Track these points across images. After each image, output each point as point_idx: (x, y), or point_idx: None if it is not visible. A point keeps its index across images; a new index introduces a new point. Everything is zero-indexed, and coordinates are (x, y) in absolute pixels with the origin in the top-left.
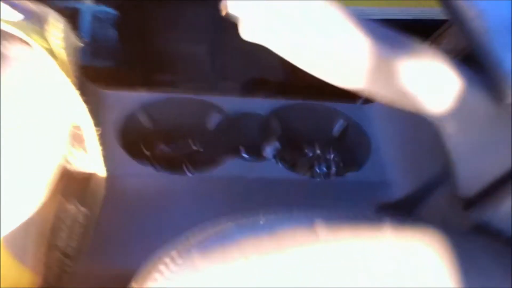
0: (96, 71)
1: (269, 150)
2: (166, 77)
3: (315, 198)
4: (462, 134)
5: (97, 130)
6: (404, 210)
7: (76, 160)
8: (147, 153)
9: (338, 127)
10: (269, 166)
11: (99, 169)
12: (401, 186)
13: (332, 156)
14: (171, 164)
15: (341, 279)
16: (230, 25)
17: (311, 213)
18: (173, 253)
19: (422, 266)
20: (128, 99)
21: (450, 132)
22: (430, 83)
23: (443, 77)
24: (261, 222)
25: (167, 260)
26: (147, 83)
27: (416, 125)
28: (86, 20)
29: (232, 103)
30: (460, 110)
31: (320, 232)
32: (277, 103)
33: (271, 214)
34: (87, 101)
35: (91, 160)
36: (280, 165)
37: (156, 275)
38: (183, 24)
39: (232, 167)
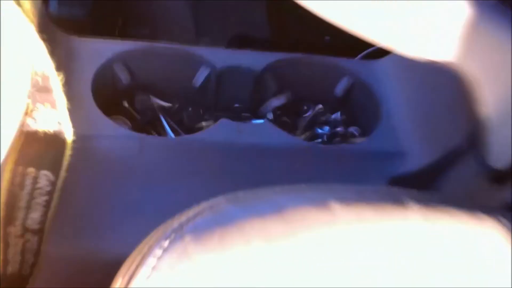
0: (66, 21)
1: (263, 110)
2: (143, 31)
3: (317, 167)
4: (502, 96)
5: (62, 81)
6: (420, 185)
7: (38, 116)
8: (125, 110)
9: (342, 85)
10: (264, 128)
11: (65, 127)
12: (417, 157)
13: (335, 119)
14: (152, 125)
15: (368, 267)
16: None
17: (324, 188)
18: (164, 242)
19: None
20: (103, 49)
21: (488, 94)
22: (478, 38)
23: (490, 32)
24: (265, 200)
25: (157, 250)
26: (122, 36)
27: (434, 85)
28: None
29: (221, 56)
30: (503, 68)
31: (337, 211)
32: (272, 57)
33: (276, 189)
34: (54, 50)
35: (55, 116)
36: (276, 127)
37: (145, 268)
38: None
39: (221, 129)
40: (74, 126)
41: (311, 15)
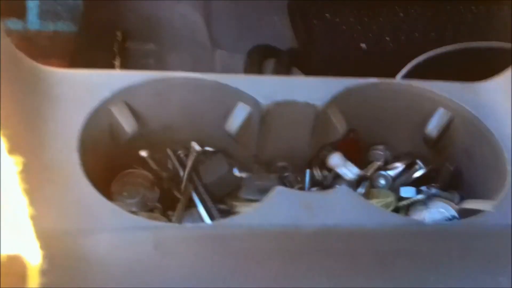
0: (51, 40)
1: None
2: (147, 46)
3: (430, 260)
4: None
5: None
6: None
7: None
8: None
9: (436, 121)
10: (345, 201)
11: (25, 246)
12: None
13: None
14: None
15: None
16: None
17: None
18: None
19: None
20: (96, 84)
21: None
22: None
23: None
24: None
25: None
26: (121, 53)
27: None
28: None
29: (266, 87)
30: None
31: None
32: (337, 84)
33: None
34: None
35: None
36: (363, 199)
37: None
38: None
39: (278, 205)
40: (54, 215)
41: (341, 18)
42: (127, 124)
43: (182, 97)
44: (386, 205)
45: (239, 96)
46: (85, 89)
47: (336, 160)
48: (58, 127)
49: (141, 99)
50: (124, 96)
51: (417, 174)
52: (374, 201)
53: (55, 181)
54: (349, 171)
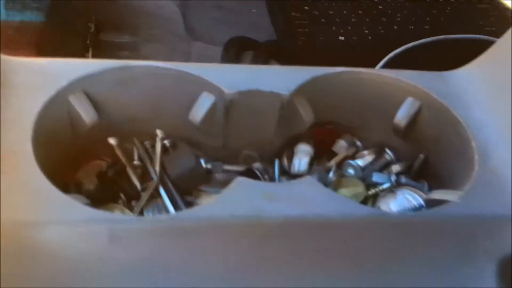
0: (17, 30)
1: (302, 159)
2: (122, 38)
3: (394, 248)
4: None
5: None
6: None
7: None
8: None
9: (405, 110)
10: (308, 191)
11: None
12: None
13: (396, 164)
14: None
15: None
16: None
17: None
18: None
19: None
20: (54, 73)
21: None
22: None
23: None
24: None
25: None
26: (94, 46)
27: None
28: None
29: (231, 75)
30: None
31: None
32: (303, 74)
33: None
34: None
35: None
36: (327, 189)
37: None
38: None
39: (239, 195)
40: (5, 206)
41: (320, 11)
42: (86, 114)
43: (144, 86)
44: (355, 196)
45: (203, 85)
46: (42, 78)
47: (301, 151)
48: (11, 117)
49: (101, 89)
50: (83, 85)
51: (388, 163)
52: (343, 190)
53: (7, 172)
54: (299, 165)
